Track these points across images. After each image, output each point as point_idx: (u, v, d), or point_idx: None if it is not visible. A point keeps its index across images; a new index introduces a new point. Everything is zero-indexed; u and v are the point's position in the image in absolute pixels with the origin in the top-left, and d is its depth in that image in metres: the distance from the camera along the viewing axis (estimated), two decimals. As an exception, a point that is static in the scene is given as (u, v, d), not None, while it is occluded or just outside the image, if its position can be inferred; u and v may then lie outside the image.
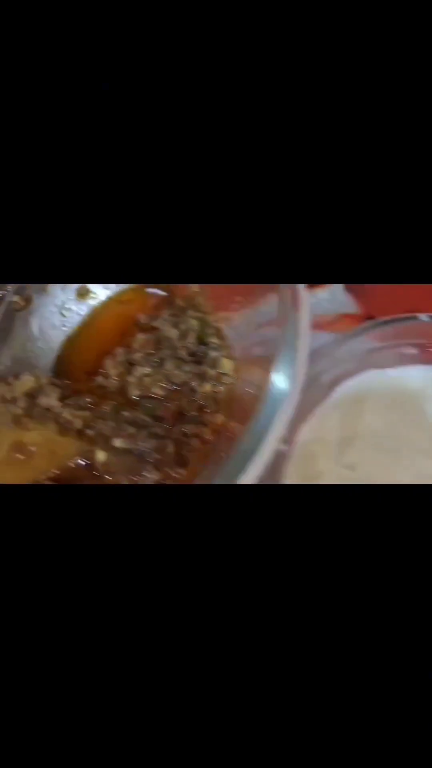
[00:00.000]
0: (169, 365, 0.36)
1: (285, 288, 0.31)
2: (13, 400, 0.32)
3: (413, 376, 0.36)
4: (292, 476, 0.32)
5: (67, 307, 0.38)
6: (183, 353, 0.36)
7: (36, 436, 0.31)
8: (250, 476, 0.25)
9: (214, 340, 0.37)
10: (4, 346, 0.35)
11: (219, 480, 0.25)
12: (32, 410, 0.33)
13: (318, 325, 0.38)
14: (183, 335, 0.37)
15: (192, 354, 0.36)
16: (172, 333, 0.37)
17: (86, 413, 0.34)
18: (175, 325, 0.38)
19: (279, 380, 0.27)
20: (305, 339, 0.28)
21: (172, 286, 0.41)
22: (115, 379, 0.36)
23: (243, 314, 0.38)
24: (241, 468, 0.25)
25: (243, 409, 0.35)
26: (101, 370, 0.37)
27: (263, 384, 0.35)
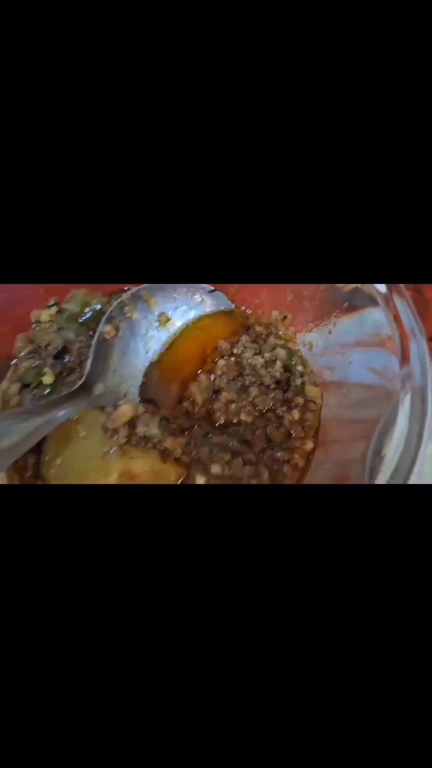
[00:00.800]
0: (253, 392, 0.37)
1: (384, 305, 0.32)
2: (116, 431, 0.33)
3: None
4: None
5: (150, 335, 0.39)
6: (268, 380, 0.38)
7: (141, 464, 0.32)
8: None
9: (299, 367, 0.38)
10: (98, 375, 0.36)
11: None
12: (132, 438, 0.34)
13: (380, 344, 0.38)
14: (268, 363, 0.38)
15: (277, 381, 0.38)
16: (258, 361, 0.38)
17: (182, 440, 0.35)
18: (258, 352, 0.39)
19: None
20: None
21: (251, 312, 0.42)
22: (201, 406, 0.37)
23: (319, 336, 0.39)
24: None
25: (328, 434, 0.37)
26: (187, 396, 0.38)
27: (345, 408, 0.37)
